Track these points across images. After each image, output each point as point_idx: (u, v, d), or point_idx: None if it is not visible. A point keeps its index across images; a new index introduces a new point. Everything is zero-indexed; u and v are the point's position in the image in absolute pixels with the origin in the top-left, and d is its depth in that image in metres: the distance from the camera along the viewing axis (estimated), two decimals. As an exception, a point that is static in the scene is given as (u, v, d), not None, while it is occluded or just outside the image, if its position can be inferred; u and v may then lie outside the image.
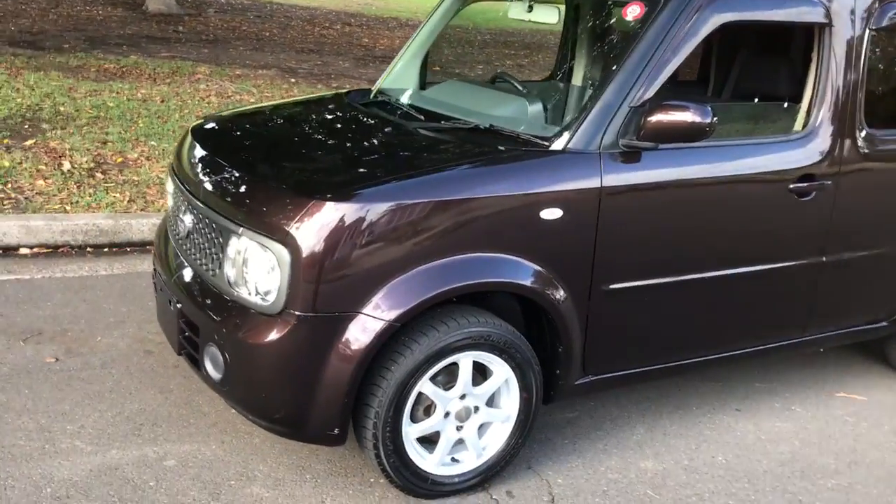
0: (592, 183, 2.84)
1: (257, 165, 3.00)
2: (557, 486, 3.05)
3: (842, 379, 4.12)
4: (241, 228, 2.68)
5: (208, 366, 2.81)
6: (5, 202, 5.04)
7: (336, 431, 2.69)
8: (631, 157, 2.92)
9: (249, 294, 2.67)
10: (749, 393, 3.88)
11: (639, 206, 2.98)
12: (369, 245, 2.57)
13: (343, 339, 2.59)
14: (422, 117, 3.30)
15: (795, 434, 3.57)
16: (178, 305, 2.96)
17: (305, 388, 2.62)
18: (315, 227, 2.54)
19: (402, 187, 2.66)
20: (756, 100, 3.75)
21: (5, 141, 5.96)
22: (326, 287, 2.56)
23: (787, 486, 3.18)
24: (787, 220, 3.34)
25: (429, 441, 2.89)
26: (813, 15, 3.28)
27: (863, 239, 3.59)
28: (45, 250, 4.74)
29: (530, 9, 3.57)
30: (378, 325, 2.59)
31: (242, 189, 2.82)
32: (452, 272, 2.67)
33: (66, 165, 5.63)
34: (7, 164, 5.53)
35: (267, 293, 2.62)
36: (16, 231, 4.72)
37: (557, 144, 2.88)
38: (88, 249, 4.82)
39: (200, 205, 2.91)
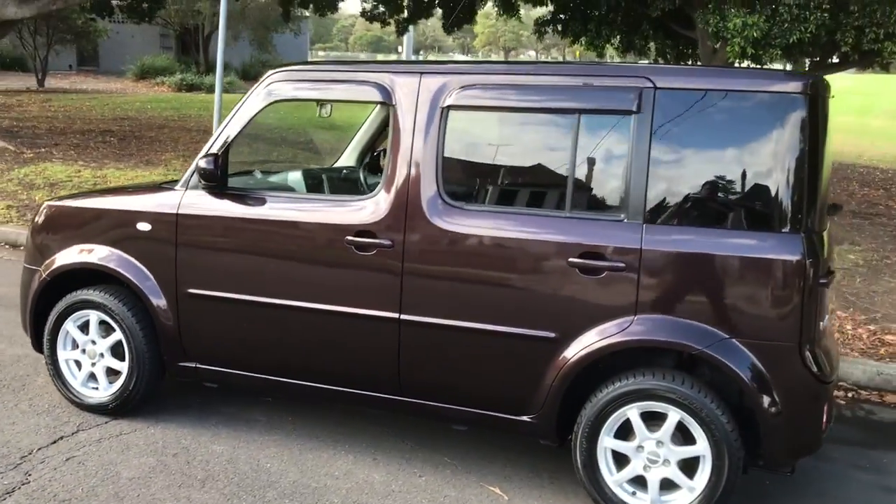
0: (172, 210, 4.10)
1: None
2: (156, 427, 4.23)
3: (512, 477, 3.88)
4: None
5: None
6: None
7: (30, 339, 4.50)
8: (215, 193, 4.04)
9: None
10: (406, 453, 4.07)
11: (200, 232, 4.08)
12: (51, 229, 4.45)
13: (34, 282, 4.45)
14: None
15: (332, 479, 3.80)
16: None
17: (24, 308, 4.54)
18: (36, 217, 4.52)
19: (78, 201, 4.43)
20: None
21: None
22: (33, 251, 4.50)
23: (244, 491, 3.65)
24: (344, 270, 3.80)
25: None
26: (373, 96, 3.80)
27: (448, 309, 3.65)
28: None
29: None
30: (42, 277, 4.38)
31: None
32: (81, 254, 4.29)
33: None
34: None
35: (30, 255, 4.67)
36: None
37: (174, 184, 4.22)
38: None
39: None
